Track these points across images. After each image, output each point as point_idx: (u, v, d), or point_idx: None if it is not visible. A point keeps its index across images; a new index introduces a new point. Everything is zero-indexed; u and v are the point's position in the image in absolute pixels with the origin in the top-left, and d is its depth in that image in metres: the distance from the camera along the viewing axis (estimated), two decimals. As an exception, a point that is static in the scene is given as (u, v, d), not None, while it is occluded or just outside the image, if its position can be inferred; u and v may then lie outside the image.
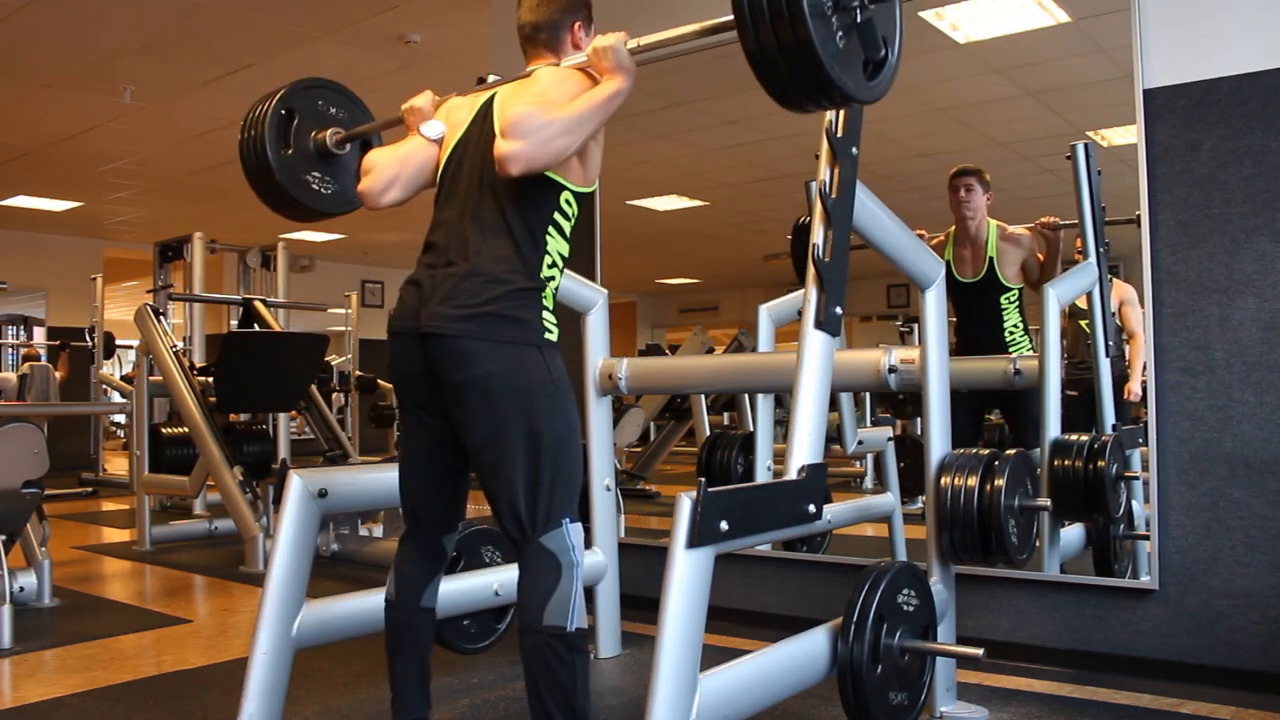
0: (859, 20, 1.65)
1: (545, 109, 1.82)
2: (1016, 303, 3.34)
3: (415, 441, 2.02)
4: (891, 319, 4.61)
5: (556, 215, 1.93)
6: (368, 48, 5.70)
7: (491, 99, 2.03)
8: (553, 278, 1.95)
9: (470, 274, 1.87)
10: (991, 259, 3.34)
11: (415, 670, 2.02)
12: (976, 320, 3.42)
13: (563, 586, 1.83)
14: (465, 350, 1.84)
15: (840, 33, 1.62)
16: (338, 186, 2.54)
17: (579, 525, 1.92)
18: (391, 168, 2.03)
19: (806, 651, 1.90)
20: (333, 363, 8.59)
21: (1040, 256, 3.31)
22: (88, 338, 8.91)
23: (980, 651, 2.04)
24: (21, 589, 3.78)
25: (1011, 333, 3.36)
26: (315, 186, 2.49)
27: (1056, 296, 2.99)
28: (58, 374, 9.19)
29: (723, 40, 1.76)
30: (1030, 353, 3.25)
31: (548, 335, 1.91)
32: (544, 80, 1.96)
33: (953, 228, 3.40)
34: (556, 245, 1.94)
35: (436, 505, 2.05)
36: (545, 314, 1.92)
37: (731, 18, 1.65)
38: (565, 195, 1.93)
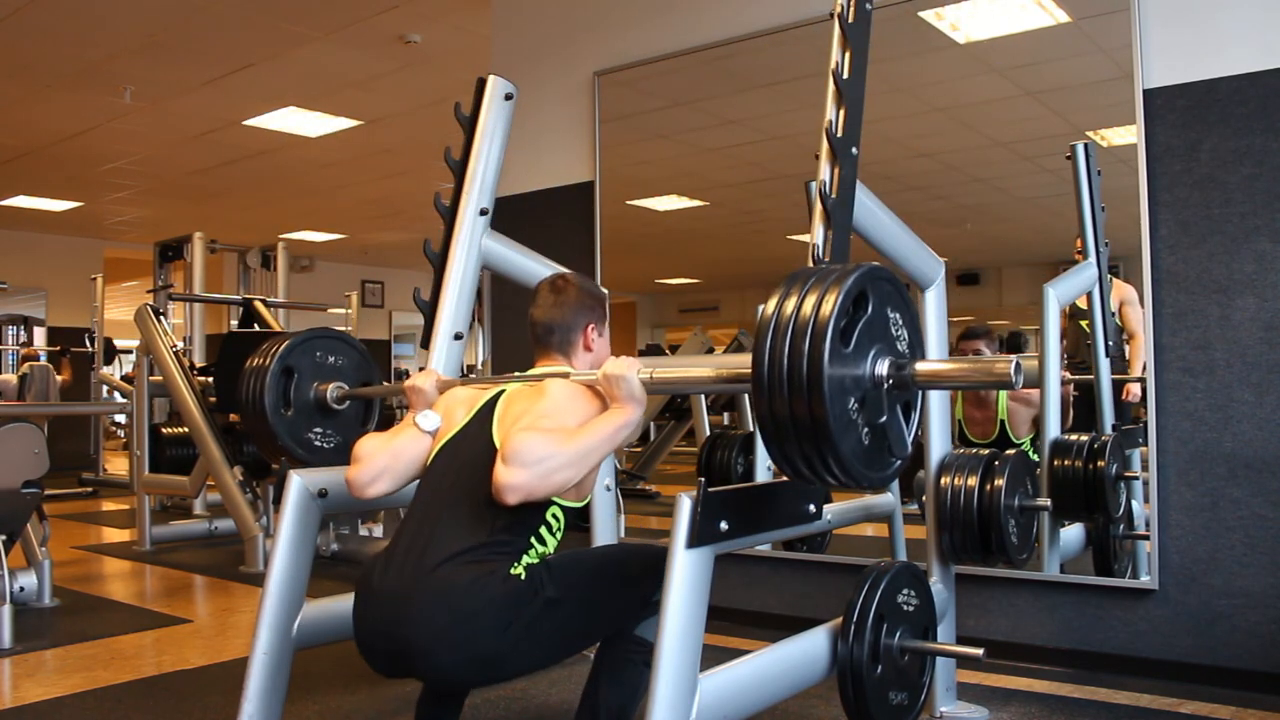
0: (882, 422, 1.57)
1: (550, 439, 1.72)
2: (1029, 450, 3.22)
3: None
4: (891, 319, 4.58)
5: (541, 528, 1.80)
6: (368, 48, 5.70)
7: (495, 400, 1.94)
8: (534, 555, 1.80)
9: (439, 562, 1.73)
10: (1003, 421, 3.28)
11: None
12: None
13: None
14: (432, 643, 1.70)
15: (866, 430, 1.55)
16: (340, 439, 2.54)
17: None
18: (382, 460, 1.94)
19: (806, 651, 1.90)
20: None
21: None
22: (87, 342, 8.91)
23: (980, 651, 2.04)
24: (22, 589, 3.78)
25: None
26: (318, 443, 2.51)
27: (1056, 296, 2.99)
28: (60, 377, 9.20)
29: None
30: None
31: (528, 562, 1.76)
32: (554, 396, 1.85)
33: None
34: (539, 549, 1.80)
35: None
36: (526, 557, 1.77)
37: (749, 371, 1.54)
38: (553, 510, 1.82)
